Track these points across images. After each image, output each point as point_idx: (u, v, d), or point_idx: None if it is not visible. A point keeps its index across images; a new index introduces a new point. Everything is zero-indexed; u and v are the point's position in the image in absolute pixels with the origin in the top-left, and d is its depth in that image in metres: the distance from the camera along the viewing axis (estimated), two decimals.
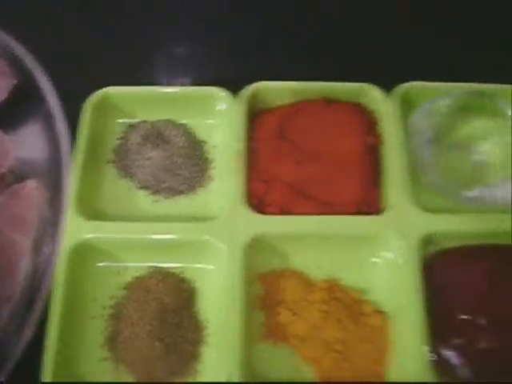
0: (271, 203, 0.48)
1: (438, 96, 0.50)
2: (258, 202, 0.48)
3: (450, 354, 0.46)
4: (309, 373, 0.45)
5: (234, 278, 0.45)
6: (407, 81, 0.52)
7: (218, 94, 0.52)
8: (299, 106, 0.52)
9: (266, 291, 0.48)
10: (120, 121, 0.53)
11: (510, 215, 0.47)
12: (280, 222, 0.47)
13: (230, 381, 0.42)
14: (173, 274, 0.48)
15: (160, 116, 0.53)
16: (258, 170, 0.49)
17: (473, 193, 0.50)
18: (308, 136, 0.50)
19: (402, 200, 0.48)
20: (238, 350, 0.43)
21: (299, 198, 0.47)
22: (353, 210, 0.47)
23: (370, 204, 0.48)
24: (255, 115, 0.52)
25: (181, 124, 0.53)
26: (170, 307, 0.46)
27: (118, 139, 0.53)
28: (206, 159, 0.52)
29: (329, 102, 0.52)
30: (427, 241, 0.47)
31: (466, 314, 0.46)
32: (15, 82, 0.52)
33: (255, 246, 0.47)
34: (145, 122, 0.53)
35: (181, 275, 0.48)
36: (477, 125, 0.52)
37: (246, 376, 0.42)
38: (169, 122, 0.53)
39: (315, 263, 0.48)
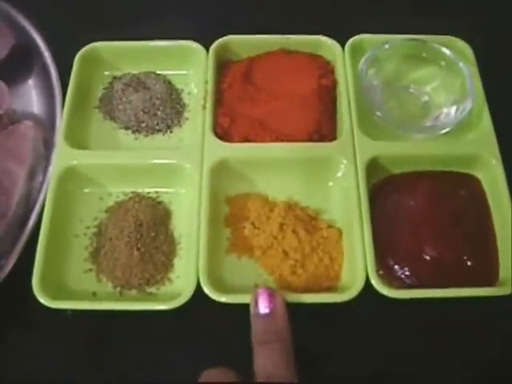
0: (235, 134, 0.54)
1: (380, 45, 0.56)
2: (223, 134, 0.54)
3: (397, 266, 0.51)
4: (269, 281, 0.50)
5: (202, 198, 0.51)
6: (359, 33, 0.59)
7: (193, 47, 0.59)
8: (262, 56, 0.59)
9: (232, 212, 0.53)
10: (106, 73, 0.61)
11: (444, 143, 0.54)
12: (242, 149, 0.53)
13: None
14: (149, 197, 0.54)
15: (142, 68, 0.60)
16: (225, 107, 0.56)
17: (422, 124, 0.56)
18: (269, 80, 0.57)
19: (351, 130, 0.54)
20: (205, 261, 0.48)
21: (260, 130, 0.54)
22: (305, 139, 0.53)
23: (323, 134, 0.54)
24: (225, 65, 0.59)
25: (160, 75, 0.60)
26: (146, 223, 0.52)
27: (103, 89, 0.60)
28: (183, 104, 0.59)
29: (288, 52, 0.59)
30: (373, 165, 0.53)
31: (410, 228, 0.52)
32: (13, 41, 0.59)
33: (221, 170, 0.53)
34: (128, 73, 0.60)
35: (157, 199, 0.54)
36: (422, 70, 0.58)
37: (212, 283, 0.47)
38: (150, 73, 0.60)
39: (277, 188, 0.54)
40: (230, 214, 0.53)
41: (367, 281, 0.48)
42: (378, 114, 0.54)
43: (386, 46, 0.56)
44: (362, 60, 0.56)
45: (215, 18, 0.64)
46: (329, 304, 0.48)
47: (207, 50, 0.59)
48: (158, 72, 0.60)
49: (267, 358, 0.40)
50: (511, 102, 0.58)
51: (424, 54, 0.57)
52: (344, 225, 0.52)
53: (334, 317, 0.50)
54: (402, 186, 0.54)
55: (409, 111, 0.57)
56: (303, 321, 0.46)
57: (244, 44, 0.59)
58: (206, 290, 0.47)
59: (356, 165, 0.52)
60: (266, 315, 0.43)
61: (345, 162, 0.52)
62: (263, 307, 0.43)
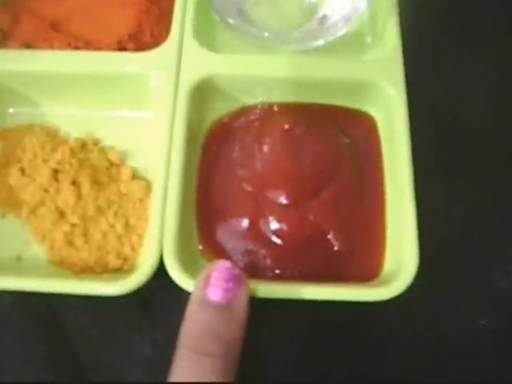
0: (16, 39, 0.37)
1: None
2: (1, 38, 0.37)
3: (225, 241, 0.34)
4: (38, 253, 0.34)
5: None
6: None
7: None
8: None
9: (5, 151, 0.37)
10: None
11: (322, 62, 0.35)
12: (17, 59, 0.36)
13: None
14: None
15: None
16: (10, 1, 0.38)
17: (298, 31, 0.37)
18: None
19: (180, 36, 0.36)
20: None
21: (50, 33, 0.36)
22: (114, 47, 0.36)
23: (144, 41, 0.36)
24: None
25: None
26: None
27: None
28: None
29: None
30: (210, 90, 0.35)
31: (251, 187, 0.34)
32: None
33: None
34: None
35: None
36: None
37: None
38: None
39: (73, 118, 0.37)
40: (1, 154, 0.36)
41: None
42: (230, 20, 0.35)
43: None
44: None
45: None
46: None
47: None
48: None
49: (193, 376, 0.24)
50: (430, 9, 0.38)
51: None
52: (155, 177, 0.35)
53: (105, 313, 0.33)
54: (250, 124, 0.36)
55: (286, 14, 0.38)
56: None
57: None
58: None
59: (177, 87, 0.34)
60: (218, 307, 0.26)
61: (158, 80, 0.35)
62: (217, 293, 0.27)
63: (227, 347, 0.25)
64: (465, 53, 0.41)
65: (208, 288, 0.27)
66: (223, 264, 0.27)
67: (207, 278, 0.27)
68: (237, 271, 0.27)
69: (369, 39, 0.39)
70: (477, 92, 0.39)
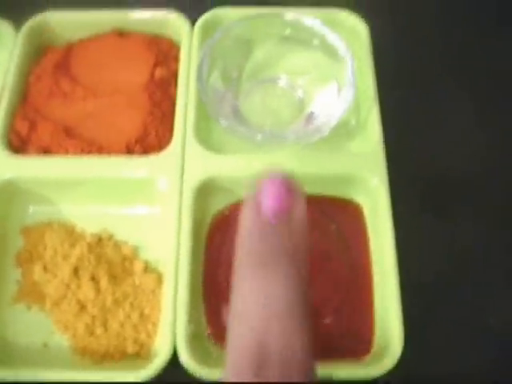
0: (33, 144, 0.41)
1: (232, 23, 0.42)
2: (19, 143, 0.41)
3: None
4: (62, 341, 0.38)
5: None
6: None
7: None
8: (86, 40, 0.45)
9: (27, 247, 0.41)
10: None
11: (310, 157, 0.39)
12: (35, 165, 0.40)
13: None
14: None
15: None
16: (27, 107, 0.42)
17: (288, 130, 0.41)
18: (92, 72, 0.44)
19: (183, 139, 0.40)
20: None
21: (64, 139, 0.40)
22: (123, 150, 0.40)
23: (149, 144, 0.41)
24: (43, 51, 0.45)
25: None
26: None
27: None
28: None
29: (121, 34, 0.45)
30: (211, 187, 0.39)
31: None
32: None
33: (11, 193, 0.40)
34: None
35: None
36: (295, 55, 0.43)
37: None
38: None
39: (88, 216, 0.41)
40: (24, 250, 0.40)
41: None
42: (223, 121, 0.39)
43: (238, 25, 0.41)
44: (204, 47, 0.41)
45: None
46: None
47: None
48: None
49: (260, 291, 0.21)
50: (411, 104, 0.42)
51: (288, 32, 0.42)
52: (166, 267, 0.39)
53: None
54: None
55: (277, 110, 0.43)
56: None
57: (66, 23, 0.46)
58: None
59: (182, 188, 0.38)
60: (275, 215, 0.24)
61: (165, 184, 0.39)
62: (272, 199, 0.24)
63: (292, 256, 0.23)
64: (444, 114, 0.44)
65: (261, 197, 0.24)
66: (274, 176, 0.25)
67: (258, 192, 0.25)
68: (289, 181, 0.25)
69: (353, 122, 0.43)
70: (460, 147, 0.43)
